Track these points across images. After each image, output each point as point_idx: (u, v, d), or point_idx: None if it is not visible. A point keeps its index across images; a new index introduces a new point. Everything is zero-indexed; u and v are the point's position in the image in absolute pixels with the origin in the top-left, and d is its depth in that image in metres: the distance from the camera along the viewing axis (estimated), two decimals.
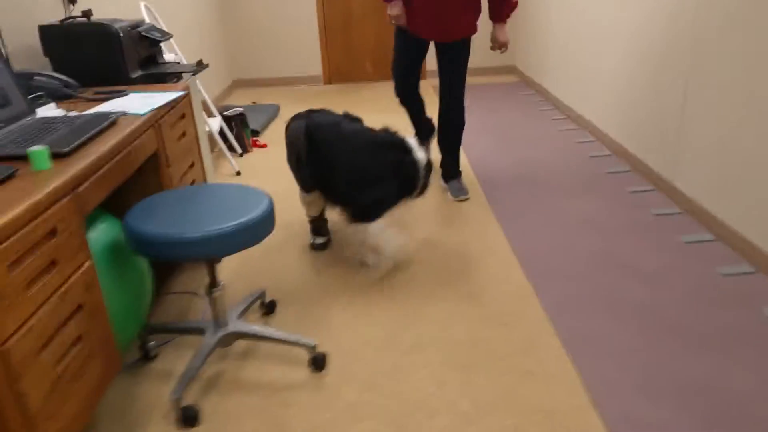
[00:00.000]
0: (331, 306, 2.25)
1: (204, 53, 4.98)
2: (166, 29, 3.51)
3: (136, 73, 2.45)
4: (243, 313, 2.05)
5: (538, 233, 2.71)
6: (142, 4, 3.45)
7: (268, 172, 3.66)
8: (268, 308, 2.22)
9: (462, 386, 1.82)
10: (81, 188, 1.48)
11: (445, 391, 1.80)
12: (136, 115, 1.93)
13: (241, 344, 2.06)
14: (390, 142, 2.32)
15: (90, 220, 1.78)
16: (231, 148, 4.07)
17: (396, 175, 2.27)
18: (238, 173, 3.67)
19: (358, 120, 2.50)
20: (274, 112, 4.91)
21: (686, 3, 2.75)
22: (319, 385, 1.85)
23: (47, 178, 1.39)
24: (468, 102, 4.98)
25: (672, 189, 2.97)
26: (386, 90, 5.64)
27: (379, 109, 4.94)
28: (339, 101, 5.31)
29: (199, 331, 1.94)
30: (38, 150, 1.46)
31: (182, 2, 4.48)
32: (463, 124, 3.10)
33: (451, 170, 3.20)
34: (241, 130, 4.06)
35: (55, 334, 1.33)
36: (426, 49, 3.07)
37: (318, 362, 1.90)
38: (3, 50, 2.17)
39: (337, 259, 2.58)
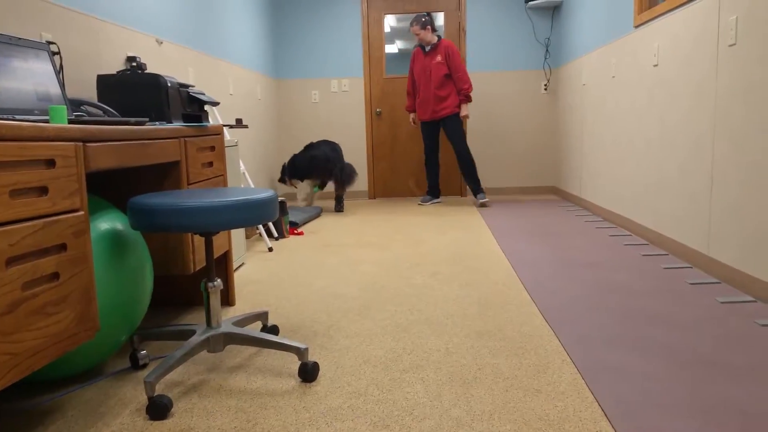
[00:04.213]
0: (334, 336, 2.12)
1: (258, 165, 5.32)
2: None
3: (178, 122, 2.64)
4: (239, 324, 1.96)
5: (589, 322, 2.53)
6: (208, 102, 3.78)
7: (297, 251, 3.69)
8: (270, 332, 2.12)
9: (458, 397, 1.62)
10: (90, 144, 1.55)
11: (439, 401, 1.61)
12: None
13: (234, 359, 1.94)
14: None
15: (98, 210, 1.82)
16: (269, 234, 4.16)
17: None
18: (270, 249, 3.71)
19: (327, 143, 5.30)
20: (316, 213, 5.06)
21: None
22: (305, 392, 1.69)
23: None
24: (509, 211, 5.01)
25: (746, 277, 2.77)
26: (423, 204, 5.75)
27: (417, 221, 5.00)
28: (383, 213, 5.43)
29: (191, 333, 1.86)
30: (59, 106, 1.56)
31: (247, 119, 4.91)
32: (467, 157, 5.38)
33: (474, 189, 5.46)
34: (280, 217, 4.18)
35: (30, 255, 1.31)
36: (437, 129, 5.50)
37: (308, 371, 1.76)
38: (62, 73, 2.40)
39: (342, 298, 2.48)
